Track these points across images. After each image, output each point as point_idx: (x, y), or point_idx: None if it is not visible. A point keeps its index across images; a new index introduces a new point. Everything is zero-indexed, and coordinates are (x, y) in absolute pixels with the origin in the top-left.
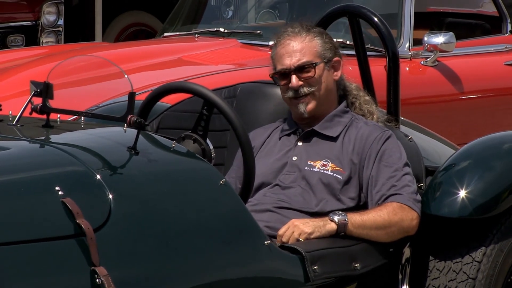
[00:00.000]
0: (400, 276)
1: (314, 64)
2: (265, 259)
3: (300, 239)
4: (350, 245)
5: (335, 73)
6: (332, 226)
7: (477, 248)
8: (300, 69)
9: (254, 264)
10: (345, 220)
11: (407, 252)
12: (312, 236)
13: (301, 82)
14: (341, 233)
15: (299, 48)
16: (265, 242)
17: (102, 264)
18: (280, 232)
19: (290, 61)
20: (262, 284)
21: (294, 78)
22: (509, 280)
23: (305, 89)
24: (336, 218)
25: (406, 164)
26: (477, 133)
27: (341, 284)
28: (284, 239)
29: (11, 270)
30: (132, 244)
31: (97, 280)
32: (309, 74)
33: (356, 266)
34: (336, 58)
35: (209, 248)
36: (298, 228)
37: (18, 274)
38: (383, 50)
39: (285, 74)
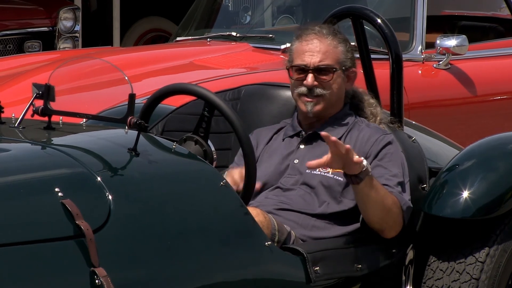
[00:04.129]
0: (403, 277)
1: (334, 69)
2: (266, 261)
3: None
4: (353, 246)
5: (348, 82)
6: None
7: (480, 249)
8: (319, 70)
9: (255, 265)
10: (369, 172)
11: (410, 253)
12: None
13: (316, 83)
14: (359, 178)
15: (323, 49)
16: (266, 243)
17: (102, 265)
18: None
19: (311, 59)
20: (263, 286)
21: (310, 77)
22: None
23: (319, 90)
24: (364, 163)
25: (404, 174)
26: (490, 136)
27: (344, 286)
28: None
29: (10, 271)
30: (132, 245)
31: (97, 281)
32: (326, 77)
33: (358, 267)
34: (353, 69)
35: (209, 249)
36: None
37: (17, 275)
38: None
39: (302, 70)
